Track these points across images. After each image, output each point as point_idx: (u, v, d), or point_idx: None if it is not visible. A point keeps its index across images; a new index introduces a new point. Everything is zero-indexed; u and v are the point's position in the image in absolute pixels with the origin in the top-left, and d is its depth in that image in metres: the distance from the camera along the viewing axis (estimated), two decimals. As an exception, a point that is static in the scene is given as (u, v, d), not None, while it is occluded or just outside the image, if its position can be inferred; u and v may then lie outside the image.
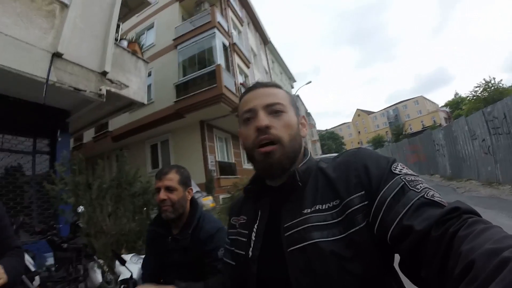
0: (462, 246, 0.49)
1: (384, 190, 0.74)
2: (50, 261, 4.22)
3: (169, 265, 1.93)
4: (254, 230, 0.98)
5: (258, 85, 1.00)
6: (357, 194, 0.79)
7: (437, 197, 0.67)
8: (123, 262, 2.27)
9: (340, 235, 0.77)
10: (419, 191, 0.69)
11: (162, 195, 1.83)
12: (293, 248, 0.82)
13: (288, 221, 0.87)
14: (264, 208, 0.99)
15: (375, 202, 0.74)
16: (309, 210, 0.84)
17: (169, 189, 1.85)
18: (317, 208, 0.84)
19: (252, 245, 0.95)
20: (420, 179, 0.75)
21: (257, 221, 0.98)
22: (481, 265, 0.41)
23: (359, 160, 0.85)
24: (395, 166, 0.79)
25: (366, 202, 0.77)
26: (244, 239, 1.00)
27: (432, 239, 0.58)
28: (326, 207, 0.82)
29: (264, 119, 0.90)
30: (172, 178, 1.89)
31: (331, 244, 0.77)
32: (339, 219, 0.79)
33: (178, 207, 1.87)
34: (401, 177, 0.75)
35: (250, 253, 0.94)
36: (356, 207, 0.77)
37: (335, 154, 1.03)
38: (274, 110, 0.92)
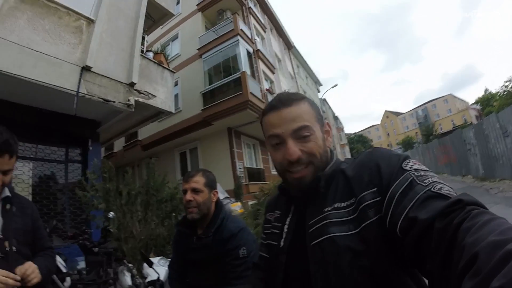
0: (466, 238, 0.49)
1: (394, 186, 0.76)
2: (82, 265, 4.35)
3: (193, 263, 2.02)
4: (287, 223, 1.05)
5: (280, 104, 0.98)
6: (369, 191, 0.82)
7: (444, 190, 0.68)
8: (150, 264, 2.37)
9: (354, 230, 0.81)
10: (426, 185, 0.71)
11: (189, 196, 1.94)
12: (314, 242, 0.88)
13: (311, 219, 0.93)
14: (296, 204, 1.05)
15: (386, 197, 0.77)
16: (329, 209, 0.89)
17: (195, 190, 1.96)
18: (336, 206, 0.89)
19: (283, 236, 1.03)
20: (430, 174, 0.76)
21: (290, 215, 1.05)
22: (484, 258, 0.41)
23: (373, 159, 0.88)
24: (406, 163, 0.81)
25: (378, 198, 0.79)
26: (277, 231, 1.07)
27: (436, 231, 0.59)
28: (345, 205, 0.87)
29: (295, 150, 0.92)
30: (198, 181, 1.99)
31: (346, 239, 0.81)
32: (354, 215, 0.83)
33: (203, 208, 1.96)
34: (411, 173, 0.76)
35: (282, 243, 1.02)
36: (367, 202, 0.81)
37: None
38: (302, 136, 0.94)
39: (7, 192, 1.62)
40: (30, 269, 1.44)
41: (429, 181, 0.72)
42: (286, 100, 0.99)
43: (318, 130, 0.97)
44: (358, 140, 77.76)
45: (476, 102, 51.30)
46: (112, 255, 4.24)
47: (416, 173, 0.76)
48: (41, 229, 1.79)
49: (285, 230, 1.03)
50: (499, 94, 32.13)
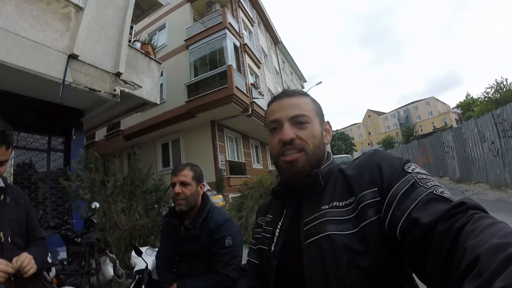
0: (468, 241, 0.50)
1: (395, 186, 0.77)
2: (62, 255, 4.34)
3: (181, 253, 2.13)
4: (278, 226, 1.03)
5: (284, 94, 1.03)
6: (369, 190, 0.82)
7: (446, 194, 0.70)
8: (139, 253, 2.42)
9: (353, 229, 0.81)
10: (428, 187, 0.72)
11: (177, 189, 2.04)
12: (309, 241, 0.87)
13: (307, 216, 0.92)
14: (289, 206, 1.04)
15: (387, 198, 0.77)
16: (326, 207, 0.89)
17: (183, 184, 2.06)
18: (334, 204, 0.88)
19: (275, 240, 1.01)
20: (431, 178, 0.78)
21: (282, 218, 1.04)
22: (486, 260, 0.42)
23: (374, 160, 0.89)
24: (408, 166, 0.82)
25: (378, 198, 0.80)
26: (268, 235, 1.07)
27: (438, 233, 0.59)
28: (343, 204, 0.87)
29: (289, 132, 0.95)
30: (186, 174, 2.09)
31: (344, 238, 0.81)
32: (353, 215, 0.83)
33: (191, 200, 2.07)
34: (413, 175, 0.78)
35: (273, 248, 1.00)
36: (367, 201, 0.81)
37: (345, 155, 1.07)
38: (298, 122, 0.97)
39: (1, 183, 1.61)
40: (27, 260, 1.45)
41: (430, 184, 0.74)
42: (289, 92, 1.05)
43: (316, 123, 1.00)
44: (339, 138, 78.18)
45: (457, 106, 52.48)
46: (95, 245, 4.25)
47: (418, 176, 0.77)
48: (33, 219, 1.79)
49: (277, 234, 1.02)
50: (480, 99, 32.87)
